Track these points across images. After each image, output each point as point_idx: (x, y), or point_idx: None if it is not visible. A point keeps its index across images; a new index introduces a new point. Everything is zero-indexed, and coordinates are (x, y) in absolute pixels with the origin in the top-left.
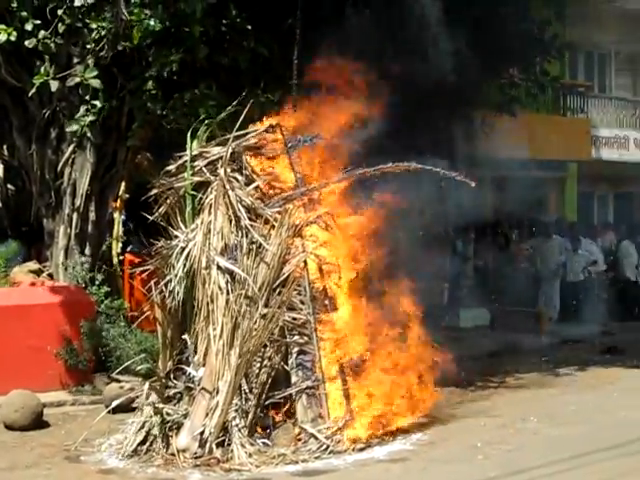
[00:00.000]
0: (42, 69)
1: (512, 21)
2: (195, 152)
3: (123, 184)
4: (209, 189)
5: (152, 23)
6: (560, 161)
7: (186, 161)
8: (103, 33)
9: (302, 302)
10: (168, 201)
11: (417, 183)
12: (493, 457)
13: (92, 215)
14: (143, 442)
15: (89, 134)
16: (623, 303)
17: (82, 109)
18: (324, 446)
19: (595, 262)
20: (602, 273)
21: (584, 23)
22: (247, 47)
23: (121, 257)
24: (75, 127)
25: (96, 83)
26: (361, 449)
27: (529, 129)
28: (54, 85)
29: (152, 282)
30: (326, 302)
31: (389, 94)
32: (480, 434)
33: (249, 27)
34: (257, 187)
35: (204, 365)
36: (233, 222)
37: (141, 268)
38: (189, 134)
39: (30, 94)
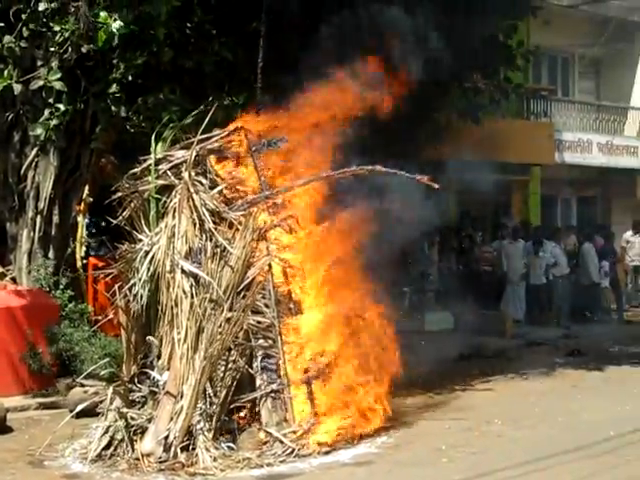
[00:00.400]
0: (5, 72)
1: (477, 27)
2: (159, 156)
3: (87, 187)
4: (173, 192)
5: (116, 26)
6: (523, 165)
7: (150, 164)
8: (67, 36)
9: (267, 306)
10: (132, 204)
11: (386, 186)
12: (458, 460)
13: (56, 218)
14: (107, 447)
15: (54, 137)
16: (586, 306)
17: (46, 112)
18: (289, 450)
19: (555, 264)
20: (566, 276)
21: (548, 27)
22: (211, 51)
23: (85, 261)
24: (39, 131)
25: (60, 86)
26: (326, 452)
27: (492, 133)
28: (17, 88)
29: (116, 286)
30: (291, 306)
31: (355, 97)
32: (445, 437)
33: (214, 31)
34: (221, 191)
35: (168, 369)
36: (197, 226)
37: (105, 272)
38: (153, 138)
39: None
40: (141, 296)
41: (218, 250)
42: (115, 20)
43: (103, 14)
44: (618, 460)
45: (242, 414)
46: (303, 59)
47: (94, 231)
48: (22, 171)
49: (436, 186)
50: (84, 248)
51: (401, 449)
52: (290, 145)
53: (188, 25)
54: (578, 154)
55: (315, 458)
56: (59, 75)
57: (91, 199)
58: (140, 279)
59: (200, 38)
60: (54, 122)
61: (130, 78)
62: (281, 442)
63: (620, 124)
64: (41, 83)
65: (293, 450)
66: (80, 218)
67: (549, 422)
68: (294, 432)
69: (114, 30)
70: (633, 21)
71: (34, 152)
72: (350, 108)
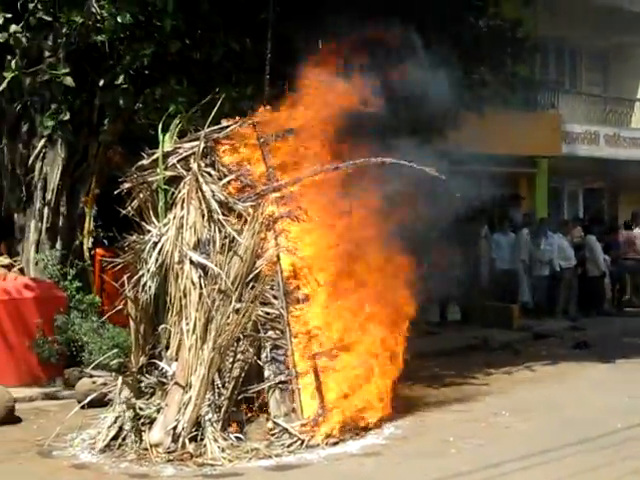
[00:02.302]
0: (13, 63)
1: (483, 19)
2: (168, 148)
3: (94, 179)
4: (182, 184)
5: (123, 17)
6: (531, 157)
7: (159, 156)
8: (74, 27)
9: (275, 297)
10: (141, 195)
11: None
12: (465, 451)
13: (63, 210)
14: (116, 437)
15: (59, 131)
16: (593, 298)
17: (53, 106)
18: (297, 440)
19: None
20: (572, 268)
21: (556, 18)
22: (219, 41)
23: (92, 252)
24: (50, 124)
25: (68, 81)
26: (334, 443)
27: (499, 125)
28: (26, 81)
29: (124, 277)
30: (299, 297)
31: (365, 87)
32: (452, 428)
33: (221, 21)
34: (230, 182)
35: (177, 360)
36: (206, 217)
37: (113, 263)
38: (160, 129)
39: (1, 89)
40: (149, 287)
41: (227, 241)
42: (121, 11)
43: (109, 5)
44: (626, 452)
45: (250, 405)
46: (311, 48)
47: (100, 222)
48: (30, 162)
49: (443, 177)
50: (92, 239)
51: (409, 440)
52: (299, 136)
53: (195, 16)
54: (585, 146)
55: (323, 449)
56: (66, 67)
57: (98, 190)
58: (149, 270)
59: (207, 29)
60: (63, 116)
61: (137, 69)
62: (289, 433)
63: (627, 116)
64: (48, 76)
65: (301, 441)
66: (87, 209)
67: (556, 414)
68: (302, 423)
69: (120, 21)
70: None
71: (42, 143)
72: (359, 97)
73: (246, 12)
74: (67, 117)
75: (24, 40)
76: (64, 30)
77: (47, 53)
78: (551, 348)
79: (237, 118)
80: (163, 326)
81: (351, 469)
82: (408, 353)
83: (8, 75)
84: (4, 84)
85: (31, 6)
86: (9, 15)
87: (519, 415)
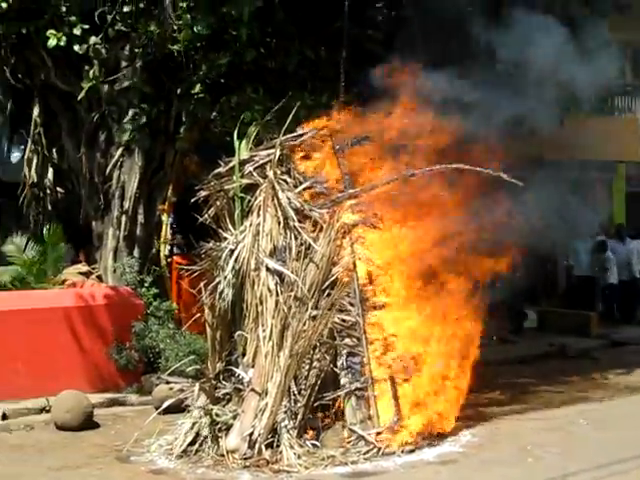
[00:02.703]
0: (91, 73)
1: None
2: (245, 156)
3: (171, 186)
4: (258, 191)
5: (199, 27)
6: (608, 161)
7: (235, 164)
8: (151, 37)
9: (351, 304)
10: (217, 203)
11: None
12: (543, 460)
13: (141, 217)
14: (193, 443)
15: (137, 138)
16: None
17: (130, 112)
18: (373, 448)
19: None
20: None
21: (631, 20)
22: (294, 50)
23: (169, 259)
24: (127, 132)
25: (146, 87)
26: (410, 451)
27: (577, 130)
28: (103, 90)
29: (201, 284)
30: (375, 304)
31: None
32: (529, 436)
33: (296, 30)
34: (305, 189)
35: (253, 366)
36: (282, 224)
37: (190, 270)
38: (236, 137)
39: (79, 98)
40: (226, 294)
41: (302, 248)
42: (198, 21)
43: (186, 16)
44: None
45: (326, 412)
46: (386, 56)
47: (177, 230)
48: (107, 171)
49: (521, 184)
50: (168, 246)
51: (486, 448)
52: (375, 143)
53: (270, 25)
54: None
55: (399, 456)
56: (144, 77)
57: (175, 198)
58: (225, 277)
59: (282, 37)
60: (140, 122)
61: (213, 78)
62: (365, 440)
63: None
64: (126, 84)
65: (377, 448)
66: (164, 217)
67: (635, 424)
68: (378, 431)
69: (197, 31)
70: None
71: (119, 152)
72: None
73: (320, 20)
74: (144, 121)
75: (103, 51)
76: (141, 40)
77: (124, 63)
78: (629, 356)
79: (312, 125)
80: (239, 333)
81: (427, 477)
82: (485, 360)
83: (86, 85)
84: (82, 93)
85: (109, 18)
86: (87, 26)
87: (597, 424)
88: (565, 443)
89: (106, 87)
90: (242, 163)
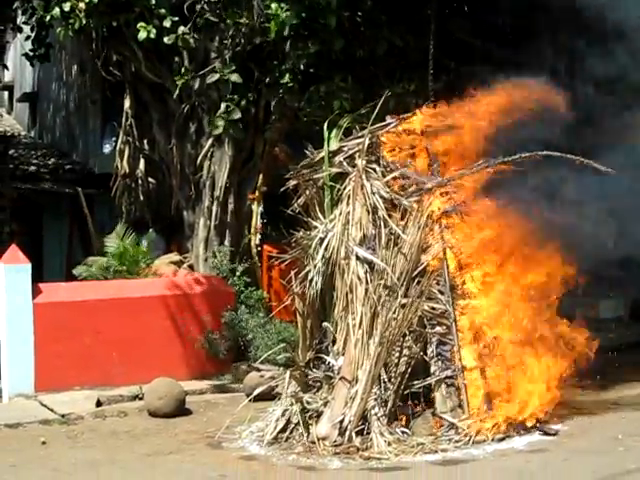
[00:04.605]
0: (183, 69)
1: None
2: (334, 147)
3: (261, 176)
4: (347, 180)
5: (288, 16)
6: None
7: (324, 155)
8: (240, 28)
9: (441, 292)
10: (307, 192)
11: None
12: (634, 449)
13: (231, 207)
14: (283, 430)
15: (231, 131)
16: None
17: (222, 105)
18: (463, 436)
19: None
20: None
21: None
22: (382, 38)
23: (260, 248)
24: (220, 124)
25: (236, 78)
26: (500, 439)
27: None
28: (195, 83)
29: (291, 273)
30: (465, 292)
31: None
32: (620, 426)
33: (384, 18)
34: (394, 178)
35: (343, 354)
36: (371, 213)
37: (280, 259)
38: (325, 126)
39: (175, 96)
40: (316, 282)
41: (392, 237)
42: (287, 11)
43: (274, 5)
44: None
45: (416, 400)
46: (476, 45)
47: (266, 219)
48: (198, 161)
49: (611, 171)
50: (259, 236)
51: (576, 437)
52: (464, 131)
53: (358, 13)
54: None
55: (489, 445)
56: (234, 68)
57: (265, 188)
58: (315, 266)
59: (370, 25)
60: (234, 116)
61: (302, 68)
62: (455, 428)
63: None
64: (217, 77)
65: (467, 436)
66: (255, 206)
67: None
68: (468, 418)
69: (286, 21)
70: None
71: (209, 142)
72: (527, 100)
73: (409, 8)
74: (238, 116)
75: (192, 42)
76: (230, 32)
77: (213, 55)
78: None
79: (402, 114)
80: (327, 323)
81: (517, 465)
82: (577, 349)
83: (179, 81)
84: (176, 91)
85: (198, 7)
86: (176, 18)
87: None
88: None
89: (197, 80)
90: (332, 154)
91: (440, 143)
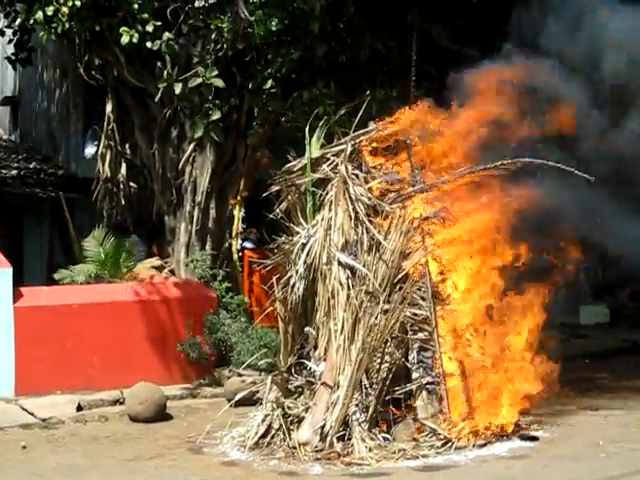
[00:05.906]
0: (165, 73)
1: None
2: (317, 154)
3: (242, 181)
4: (329, 186)
5: (272, 22)
6: None
7: (307, 161)
8: (223, 33)
9: (423, 298)
10: (289, 198)
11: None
12: (616, 456)
13: (212, 212)
14: (265, 435)
15: (212, 134)
16: None
17: (204, 107)
18: (445, 442)
19: None
20: None
21: None
22: (365, 44)
23: (241, 253)
24: (201, 125)
25: (219, 82)
26: (482, 445)
27: None
28: (178, 88)
29: (273, 278)
30: (446, 298)
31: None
32: (602, 432)
33: (366, 23)
34: (376, 183)
35: (325, 360)
36: (353, 218)
37: (262, 264)
38: (307, 131)
39: (156, 99)
40: (298, 288)
41: (374, 242)
42: (270, 17)
43: (258, 11)
44: None
45: (397, 406)
46: (457, 50)
47: (247, 224)
48: (180, 166)
49: (592, 179)
50: (240, 241)
51: (557, 443)
52: (444, 138)
53: (341, 19)
54: None
55: (470, 451)
56: (216, 72)
57: (246, 193)
58: (297, 271)
59: (353, 32)
60: (214, 117)
61: (285, 73)
62: (437, 434)
63: None
64: (199, 81)
65: (449, 442)
66: (236, 211)
67: None
68: (450, 424)
69: (269, 26)
70: None
71: (191, 147)
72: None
73: (391, 14)
74: (217, 116)
75: (176, 47)
76: (213, 36)
77: (196, 59)
78: None
79: (384, 120)
80: (308, 328)
81: (498, 471)
82: (556, 355)
83: (161, 85)
84: (158, 94)
85: (182, 14)
86: (159, 23)
87: None
88: (638, 438)
89: (179, 84)
90: (315, 161)
91: (422, 149)
